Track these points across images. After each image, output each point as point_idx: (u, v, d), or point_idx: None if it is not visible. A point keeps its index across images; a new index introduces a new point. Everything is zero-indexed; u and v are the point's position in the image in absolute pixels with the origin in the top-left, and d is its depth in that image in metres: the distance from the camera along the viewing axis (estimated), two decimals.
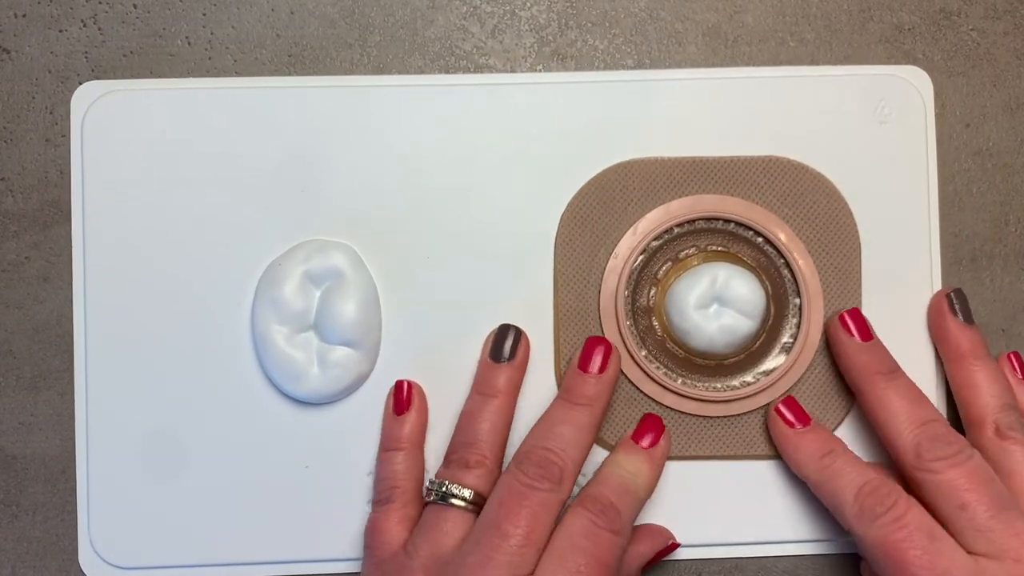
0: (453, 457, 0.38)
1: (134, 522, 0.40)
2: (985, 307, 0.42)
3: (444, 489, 0.37)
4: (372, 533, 0.38)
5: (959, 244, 0.42)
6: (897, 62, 0.42)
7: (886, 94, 0.41)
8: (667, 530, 0.40)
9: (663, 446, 0.38)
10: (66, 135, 0.41)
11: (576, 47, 0.42)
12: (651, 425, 0.39)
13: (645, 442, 0.38)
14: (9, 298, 0.41)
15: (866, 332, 0.39)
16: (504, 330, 0.40)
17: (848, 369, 0.39)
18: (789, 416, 0.39)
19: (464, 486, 0.37)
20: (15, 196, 0.41)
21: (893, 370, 0.38)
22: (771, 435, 0.40)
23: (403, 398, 0.40)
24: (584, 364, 0.38)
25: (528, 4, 0.42)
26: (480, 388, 0.39)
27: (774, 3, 0.42)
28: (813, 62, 0.42)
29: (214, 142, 0.40)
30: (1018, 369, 0.40)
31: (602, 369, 0.38)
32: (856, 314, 0.39)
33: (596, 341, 0.39)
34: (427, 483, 0.38)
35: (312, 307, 0.40)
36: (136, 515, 0.40)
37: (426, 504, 0.38)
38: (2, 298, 0.41)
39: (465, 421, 0.39)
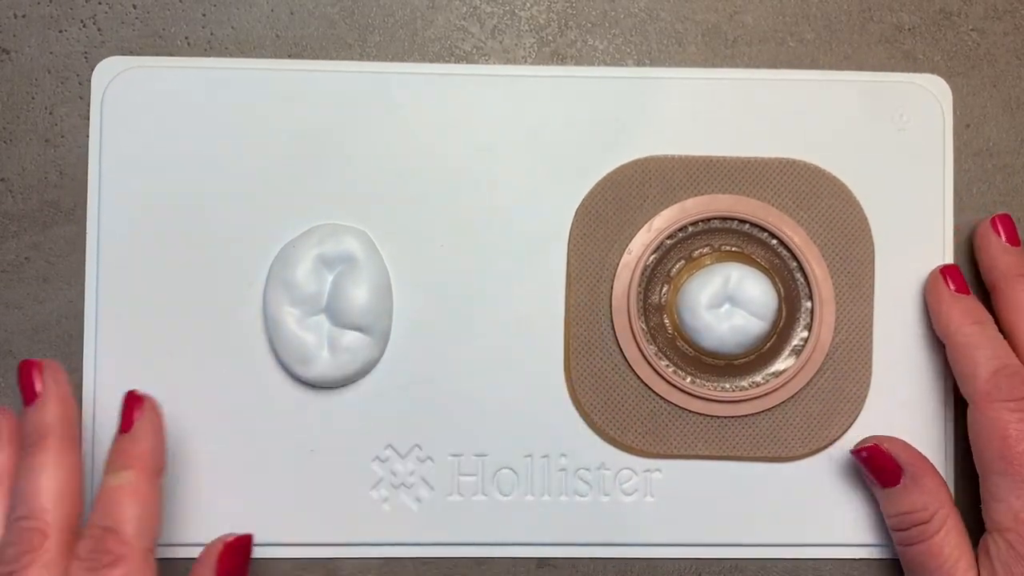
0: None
1: None
2: (988, 307, 0.42)
3: None
4: None
5: (959, 245, 0.42)
6: (897, 62, 0.42)
7: (905, 102, 0.41)
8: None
9: (147, 417, 0.35)
10: (66, 135, 0.41)
11: (576, 47, 0.42)
12: (129, 406, 0.35)
13: (126, 427, 0.35)
14: (9, 298, 0.41)
15: (1015, 238, 0.40)
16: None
17: (990, 269, 0.39)
18: (951, 282, 0.39)
19: None
20: (15, 196, 0.41)
21: None
22: (926, 297, 0.40)
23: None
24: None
25: (528, 4, 0.42)
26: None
27: (774, 3, 0.42)
28: (813, 62, 0.42)
29: (231, 123, 0.40)
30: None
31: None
32: (1007, 220, 0.40)
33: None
34: None
35: (324, 291, 0.40)
36: None
37: None
38: (2, 298, 0.41)
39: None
